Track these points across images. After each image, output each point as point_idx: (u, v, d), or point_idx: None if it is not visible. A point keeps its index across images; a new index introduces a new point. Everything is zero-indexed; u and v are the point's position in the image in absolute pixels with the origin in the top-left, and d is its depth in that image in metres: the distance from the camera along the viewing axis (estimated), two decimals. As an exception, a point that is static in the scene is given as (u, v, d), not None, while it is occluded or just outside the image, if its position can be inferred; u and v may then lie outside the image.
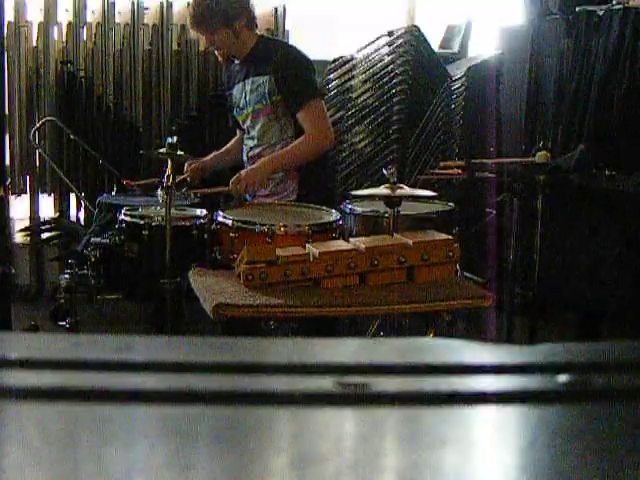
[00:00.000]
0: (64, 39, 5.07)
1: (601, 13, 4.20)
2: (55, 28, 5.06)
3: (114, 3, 5.12)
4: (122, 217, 3.37)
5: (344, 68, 4.91)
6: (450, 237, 2.81)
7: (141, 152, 4.89)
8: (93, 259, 3.29)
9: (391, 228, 2.92)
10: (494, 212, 4.65)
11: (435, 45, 5.31)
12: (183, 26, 5.16)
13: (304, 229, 2.98)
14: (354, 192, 3.43)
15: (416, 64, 4.71)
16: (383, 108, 4.76)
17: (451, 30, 5.62)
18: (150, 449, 0.60)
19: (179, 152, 3.20)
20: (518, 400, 0.68)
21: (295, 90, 3.41)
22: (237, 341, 0.83)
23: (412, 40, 4.70)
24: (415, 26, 4.91)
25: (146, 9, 5.19)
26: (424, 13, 5.80)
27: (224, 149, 3.83)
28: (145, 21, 5.20)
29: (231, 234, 3.01)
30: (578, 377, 0.69)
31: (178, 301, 3.19)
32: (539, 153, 3.70)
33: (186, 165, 3.63)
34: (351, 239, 2.87)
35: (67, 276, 3.32)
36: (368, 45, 4.87)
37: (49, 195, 5.20)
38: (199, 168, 3.65)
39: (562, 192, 3.95)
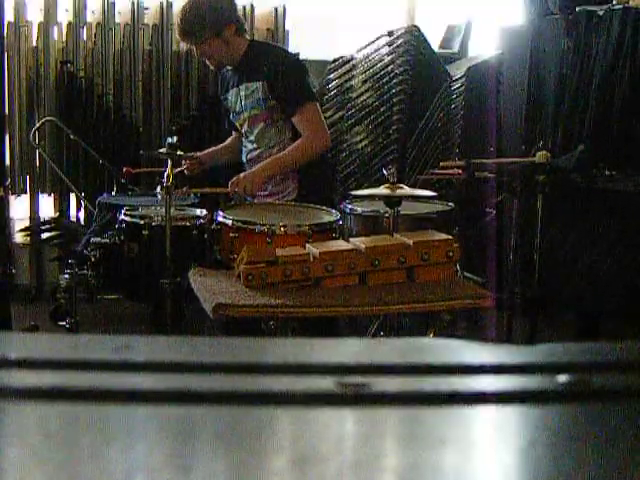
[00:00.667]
0: (64, 39, 5.07)
1: (601, 13, 4.20)
2: (55, 28, 5.06)
3: (114, 3, 5.12)
4: (122, 217, 3.37)
5: (344, 68, 4.91)
6: (450, 237, 2.81)
7: (141, 152, 4.89)
8: (93, 259, 3.29)
9: (391, 228, 2.92)
10: (494, 212, 4.65)
11: (435, 45, 5.31)
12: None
13: (304, 229, 2.98)
14: (354, 192, 3.43)
15: (416, 64, 4.71)
16: (383, 108, 4.76)
17: (451, 30, 5.62)
18: (150, 449, 0.60)
19: (179, 152, 3.21)
20: (518, 400, 0.68)
21: (289, 95, 3.42)
22: (237, 341, 0.83)
23: (412, 40, 4.71)
24: (415, 26, 4.91)
25: (146, 9, 5.19)
26: (424, 13, 5.80)
27: (221, 146, 3.86)
28: (145, 21, 5.20)
29: (231, 234, 3.01)
30: (578, 377, 0.69)
31: (178, 301, 3.19)
32: (539, 153, 3.70)
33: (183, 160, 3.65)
34: (351, 239, 2.87)
35: (67, 276, 3.33)
36: (368, 45, 4.88)
37: (49, 195, 5.20)
38: (196, 160, 3.68)
39: (562, 192, 3.95)
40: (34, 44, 5.04)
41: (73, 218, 5.22)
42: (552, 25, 4.58)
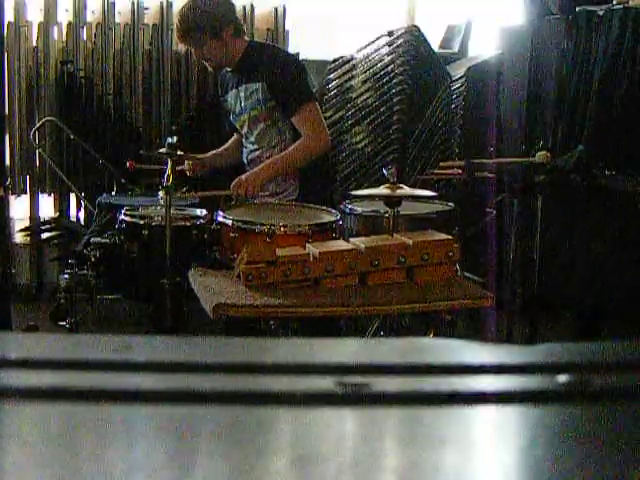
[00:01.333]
0: (64, 39, 5.07)
1: (601, 13, 4.20)
2: (55, 28, 5.06)
3: (114, 3, 5.12)
4: (122, 217, 3.37)
5: (344, 68, 4.90)
6: (450, 237, 2.81)
7: (141, 152, 4.89)
8: (93, 259, 3.29)
9: (391, 228, 2.92)
10: (494, 212, 4.65)
11: (435, 45, 5.31)
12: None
13: (304, 229, 2.98)
14: (354, 192, 3.43)
15: (416, 64, 4.70)
16: (383, 108, 4.76)
17: (451, 30, 5.62)
18: (150, 449, 0.60)
19: (179, 152, 3.21)
20: (518, 400, 0.68)
21: (288, 96, 3.43)
22: (237, 341, 0.83)
23: (412, 40, 4.70)
24: (415, 26, 4.91)
25: (146, 9, 5.19)
26: (424, 13, 5.80)
27: (222, 148, 3.87)
28: (145, 21, 5.20)
29: (231, 234, 3.01)
30: (578, 377, 0.69)
31: (178, 301, 3.19)
32: (539, 153, 3.70)
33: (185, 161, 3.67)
34: (351, 239, 2.87)
35: (67, 276, 3.33)
36: (368, 45, 4.87)
37: (49, 195, 5.20)
38: (199, 162, 3.69)
39: (562, 192, 3.95)
40: (34, 44, 5.04)
41: (73, 218, 5.22)
42: (552, 25, 4.58)
